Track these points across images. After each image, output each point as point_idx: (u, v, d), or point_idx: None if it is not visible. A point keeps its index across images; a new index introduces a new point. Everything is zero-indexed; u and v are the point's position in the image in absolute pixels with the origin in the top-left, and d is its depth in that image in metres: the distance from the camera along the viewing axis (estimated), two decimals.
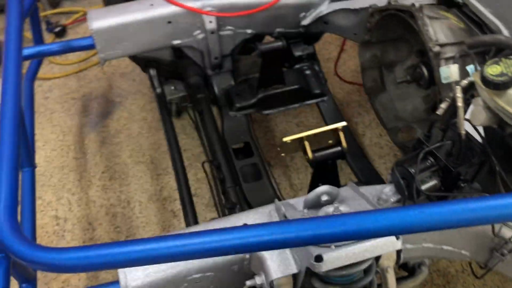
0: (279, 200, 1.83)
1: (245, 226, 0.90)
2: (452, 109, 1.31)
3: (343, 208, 1.11)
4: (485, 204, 0.87)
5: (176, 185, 1.96)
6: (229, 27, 2.08)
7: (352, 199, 1.20)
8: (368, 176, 1.92)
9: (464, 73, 1.35)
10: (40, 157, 2.66)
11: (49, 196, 2.50)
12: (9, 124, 1.15)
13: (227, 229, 0.90)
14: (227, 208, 1.69)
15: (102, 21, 1.93)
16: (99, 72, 3.12)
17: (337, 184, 1.65)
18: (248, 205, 1.81)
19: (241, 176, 1.89)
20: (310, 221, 0.90)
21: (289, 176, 2.53)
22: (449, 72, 1.19)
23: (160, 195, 2.48)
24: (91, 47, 1.98)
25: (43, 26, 3.37)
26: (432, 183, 1.28)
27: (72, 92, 3.02)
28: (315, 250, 1.01)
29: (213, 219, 1.43)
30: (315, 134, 1.54)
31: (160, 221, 2.38)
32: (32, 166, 1.84)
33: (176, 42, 2.06)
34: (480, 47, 1.37)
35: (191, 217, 1.68)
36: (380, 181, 1.91)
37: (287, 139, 1.53)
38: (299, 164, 2.56)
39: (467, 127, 1.25)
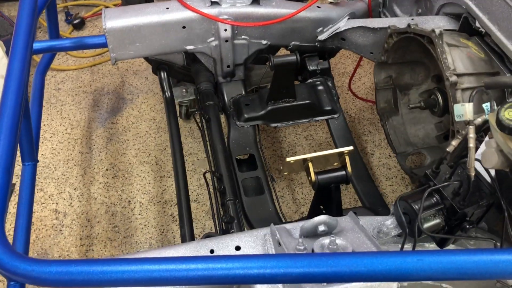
0: (279, 218, 1.80)
1: (234, 256, 0.86)
2: (463, 146, 1.26)
3: (340, 242, 1.07)
4: (489, 258, 0.82)
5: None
6: (244, 37, 2.05)
7: (351, 231, 1.16)
8: (372, 201, 1.87)
9: (479, 107, 1.30)
10: (46, 149, 2.66)
11: (51, 189, 2.50)
12: (6, 125, 1.12)
13: (214, 258, 0.86)
14: (224, 222, 1.65)
15: (116, 20, 1.92)
16: (113, 67, 3.11)
17: (339, 209, 1.61)
18: (246, 220, 1.77)
19: (242, 189, 1.85)
20: (301, 258, 0.86)
21: (293, 190, 2.49)
22: (464, 110, 1.14)
23: (161, 198, 2.46)
24: (103, 45, 1.96)
25: (62, 17, 3.39)
26: (435, 221, 1.22)
27: (84, 85, 3.02)
28: (306, 286, 0.97)
29: (207, 234, 1.40)
30: (319, 157, 1.49)
31: (158, 224, 2.36)
32: (34, 161, 1.81)
33: (189, 47, 2.04)
34: (499, 87, 1.32)
35: (188, 229, 1.65)
36: (384, 207, 1.85)
37: (290, 159, 1.48)
38: (303, 179, 2.52)
39: (477, 166, 1.19)
